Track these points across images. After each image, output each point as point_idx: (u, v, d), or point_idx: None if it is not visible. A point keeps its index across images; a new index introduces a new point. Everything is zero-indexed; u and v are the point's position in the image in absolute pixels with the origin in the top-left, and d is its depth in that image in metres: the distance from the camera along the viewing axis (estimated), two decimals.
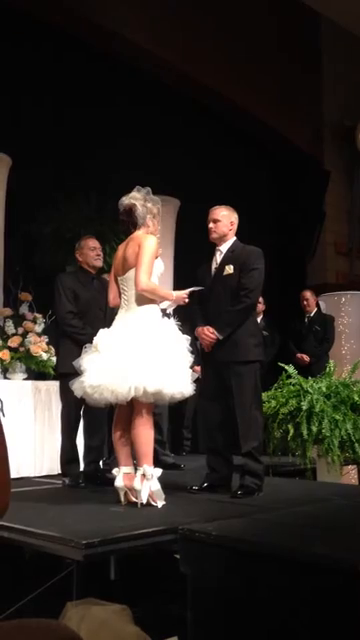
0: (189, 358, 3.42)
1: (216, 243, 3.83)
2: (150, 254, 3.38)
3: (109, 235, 5.66)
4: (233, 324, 3.66)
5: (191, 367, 3.46)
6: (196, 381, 3.46)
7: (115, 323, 3.49)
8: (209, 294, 3.73)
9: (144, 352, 3.26)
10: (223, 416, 3.73)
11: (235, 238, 3.85)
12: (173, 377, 3.29)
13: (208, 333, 3.65)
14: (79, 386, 3.38)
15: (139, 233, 3.50)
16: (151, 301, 3.45)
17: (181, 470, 4.83)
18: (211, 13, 7.19)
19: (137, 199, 3.51)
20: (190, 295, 3.64)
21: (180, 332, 3.47)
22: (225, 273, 3.73)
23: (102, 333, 3.44)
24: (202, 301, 3.74)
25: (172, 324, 3.47)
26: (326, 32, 8.76)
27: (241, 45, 7.51)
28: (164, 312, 3.72)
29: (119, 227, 5.46)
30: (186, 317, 4.08)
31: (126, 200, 3.53)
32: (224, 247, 3.82)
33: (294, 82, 8.19)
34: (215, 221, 3.80)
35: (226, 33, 7.32)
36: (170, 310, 3.81)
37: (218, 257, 3.82)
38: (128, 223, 3.54)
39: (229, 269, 3.73)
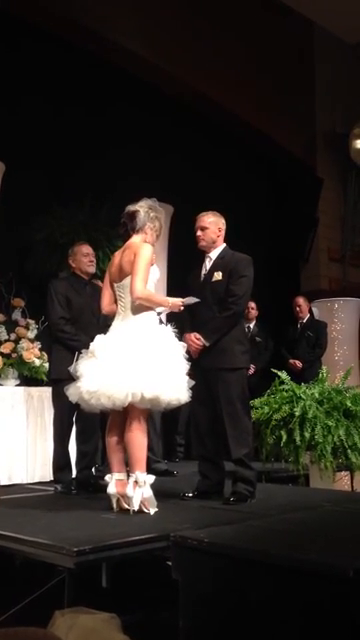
0: (186, 365, 3.42)
1: (205, 250, 3.83)
2: (145, 262, 3.40)
3: (103, 241, 5.67)
4: (220, 331, 3.66)
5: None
6: (192, 388, 3.46)
7: (112, 329, 3.50)
8: None
9: (141, 358, 3.27)
10: (213, 422, 3.73)
11: (225, 245, 3.85)
12: (170, 383, 3.30)
13: (194, 339, 3.65)
14: (75, 391, 3.37)
15: (136, 240, 3.52)
16: (148, 308, 3.46)
17: (174, 477, 4.82)
18: (206, 22, 7.22)
19: (142, 206, 3.56)
20: (184, 305, 3.64)
21: (177, 339, 3.48)
22: (214, 279, 3.74)
23: (99, 339, 3.44)
24: (190, 308, 3.74)
25: (169, 331, 3.47)
26: (319, 40, 8.81)
27: (235, 53, 7.54)
28: (159, 319, 3.73)
29: (113, 233, 5.52)
30: (180, 324, 4.09)
31: (132, 207, 3.57)
32: (214, 254, 3.82)
33: (288, 90, 8.23)
34: (203, 229, 3.79)
35: (221, 41, 7.36)
36: (163, 315, 3.81)
37: (207, 264, 3.82)
38: (127, 226, 3.56)
39: (218, 275, 3.73)
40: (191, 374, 3.49)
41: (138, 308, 3.43)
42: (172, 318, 4.24)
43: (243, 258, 3.78)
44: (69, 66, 6.34)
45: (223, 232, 3.84)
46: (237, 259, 3.77)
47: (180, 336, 3.65)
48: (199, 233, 3.80)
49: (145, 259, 3.40)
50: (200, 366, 3.64)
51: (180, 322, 3.81)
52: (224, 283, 3.71)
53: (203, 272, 3.82)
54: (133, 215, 3.54)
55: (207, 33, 7.20)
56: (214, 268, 3.77)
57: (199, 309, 3.73)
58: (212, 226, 3.80)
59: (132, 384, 3.21)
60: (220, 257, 3.80)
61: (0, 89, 5.77)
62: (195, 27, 7.09)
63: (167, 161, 6.82)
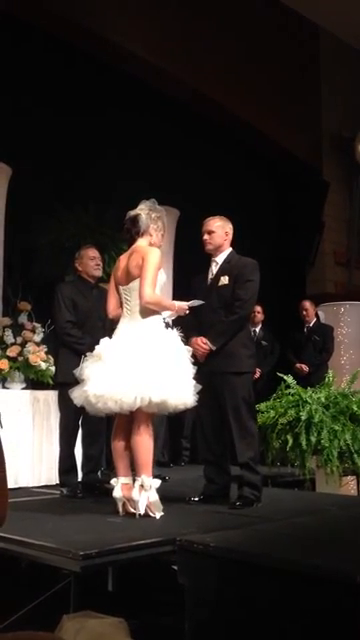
0: (192, 369, 3.42)
1: (212, 254, 3.84)
2: (154, 266, 3.42)
3: (108, 245, 5.67)
4: (226, 335, 3.66)
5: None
6: (197, 392, 3.45)
7: (118, 332, 3.49)
8: (203, 304, 3.73)
9: (150, 362, 3.27)
10: (218, 426, 3.73)
11: (231, 249, 3.86)
12: (177, 388, 3.31)
13: (201, 344, 3.65)
14: (81, 395, 3.37)
15: (142, 244, 3.53)
16: (155, 312, 3.47)
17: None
18: (211, 25, 7.23)
19: (142, 209, 3.58)
20: (190, 308, 3.65)
21: (182, 343, 3.48)
22: (220, 284, 3.75)
23: (105, 342, 3.44)
24: (196, 311, 3.74)
25: (175, 335, 3.48)
26: (325, 44, 8.81)
27: (241, 56, 7.55)
28: (166, 323, 3.73)
29: (119, 236, 5.53)
30: (186, 328, 4.08)
31: (132, 212, 3.59)
32: (220, 258, 3.83)
33: (293, 93, 8.23)
34: (209, 232, 3.81)
35: (226, 44, 7.37)
36: (170, 320, 3.82)
37: (214, 268, 3.83)
38: (132, 231, 3.57)
39: (224, 280, 3.74)
40: (196, 378, 3.49)
41: (145, 311, 3.44)
42: (177, 322, 4.24)
43: (249, 262, 3.79)
44: (73, 69, 6.36)
45: (230, 236, 3.85)
46: (243, 263, 3.78)
47: (186, 340, 3.65)
48: (206, 237, 3.82)
49: (154, 263, 3.41)
50: (206, 370, 3.65)
51: (186, 326, 3.81)
52: (230, 287, 3.72)
53: (210, 276, 3.83)
54: (135, 219, 3.55)
55: (210, 35, 7.21)
56: (220, 272, 3.78)
57: (205, 313, 3.73)
58: (219, 230, 3.81)
59: (140, 388, 3.21)
60: (226, 261, 3.81)
61: (5, 93, 5.80)
62: (199, 29, 7.10)
63: (172, 164, 6.83)
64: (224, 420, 3.66)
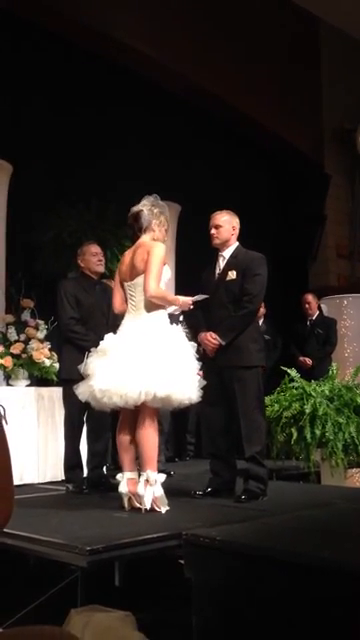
0: (196, 364, 3.43)
1: (219, 248, 3.84)
2: (159, 261, 3.42)
3: (111, 241, 5.68)
4: (236, 330, 3.67)
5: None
6: (203, 388, 3.45)
7: (122, 328, 3.50)
8: (212, 300, 3.74)
9: (154, 357, 3.28)
10: (225, 421, 3.74)
11: (238, 243, 3.85)
12: (182, 383, 3.32)
13: (211, 339, 3.66)
14: (86, 390, 3.38)
15: (146, 239, 3.53)
16: (159, 307, 3.48)
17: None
18: (211, 19, 7.21)
19: (145, 205, 3.58)
20: (195, 303, 3.65)
21: (187, 339, 3.49)
22: (228, 279, 3.75)
23: (109, 338, 3.45)
24: (205, 307, 3.75)
25: (180, 330, 3.48)
26: (325, 36, 8.77)
27: (241, 50, 7.52)
28: (173, 318, 3.73)
29: (120, 233, 5.53)
30: (192, 324, 4.08)
31: (135, 208, 3.59)
32: (227, 252, 3.82)
33: (294, 86, 8.20)
34: (217, 227, 3.81)
35: (226, 38, 7.34)
36: (177, 313, 3.83)
37: (221, 262, 3.83)
38: (134, 227, 3.57)
39: (232, 275, 3.74)
40: (202, 374, 3.49)
41: (149, 307, 3.44)
42: (186, 318, 4.25)
43: (256, 256, 3.79)
44: (75, 67, 6.35)
45: (237, 231, 3.85)
46: (250, 257, 3.78)
47: (194, 336, 3.65)
48: (213, 231, 3.81)
49: (158, 258, 3.42)
50: (215, 364, 3.65)
51: (195, 322, 3.82)
52: (238, 282, 3.72)
53: (217, 271, 3.83)
54: (138, 215, 3.55)
55: (211, 30, 7.18)
56: (228, 267, 3.78)
57: (214, 308, 3.74)
58: (226, 224, 3.81)
59: (145, 383, 3.22)
60: (233, 256, 3.81)
61: (6, 90, 5.79)
62: (199, 25, 7.08)
63: (174, 160, 6.81)
64: (233, 414, 3.66)
